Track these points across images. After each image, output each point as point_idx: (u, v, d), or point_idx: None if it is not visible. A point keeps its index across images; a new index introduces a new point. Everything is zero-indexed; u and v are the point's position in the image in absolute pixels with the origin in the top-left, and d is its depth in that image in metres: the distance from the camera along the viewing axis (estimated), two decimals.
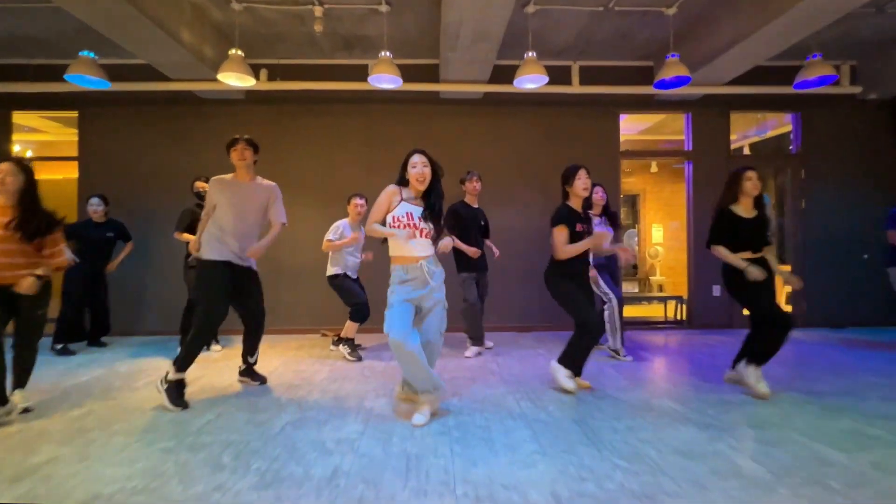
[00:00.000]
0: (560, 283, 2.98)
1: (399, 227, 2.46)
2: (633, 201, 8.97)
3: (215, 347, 4.28)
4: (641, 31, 4.68)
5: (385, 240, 2.56)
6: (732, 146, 5.72)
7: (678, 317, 5.78)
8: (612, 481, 1.85)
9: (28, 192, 2.64)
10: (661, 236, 8.87)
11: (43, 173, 5.88)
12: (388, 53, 4.02)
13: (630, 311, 6.00)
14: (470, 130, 5.40)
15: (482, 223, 4.15)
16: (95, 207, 4.40)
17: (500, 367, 3.71)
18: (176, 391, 2.76)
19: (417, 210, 2.51)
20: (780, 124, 6.43)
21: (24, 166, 2.66)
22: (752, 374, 2.89)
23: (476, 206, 4.15)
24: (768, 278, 2.87)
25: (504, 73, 4.88)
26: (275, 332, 5.16)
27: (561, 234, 2.91)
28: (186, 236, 3.94)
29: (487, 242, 4.23)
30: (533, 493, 1.77)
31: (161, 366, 3.69)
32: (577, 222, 2.95)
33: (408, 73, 4.57)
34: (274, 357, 4.09)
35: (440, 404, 2.67)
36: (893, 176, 5.50)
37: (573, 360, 3.01)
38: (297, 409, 2.72)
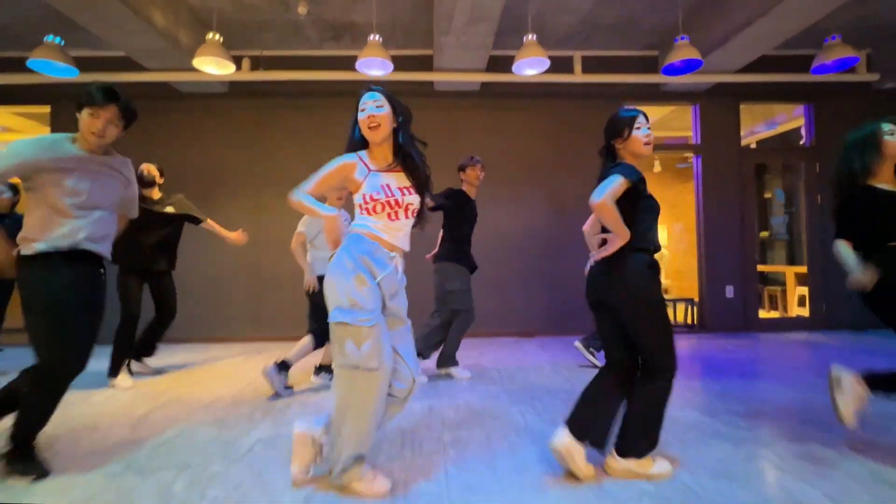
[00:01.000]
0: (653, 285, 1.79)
1: (377, 210, 1.69)
2: None
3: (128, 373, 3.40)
4: (649, 16, 4.42)
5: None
6: (743, 142, 5.46)
7: (689, 321, 5.46)
8: None
9: None
10: (666, 238, 8.60)
11: None
12: (377, 37, 3.74)
13: None
14: (467, 124, 5.11)
15: (475, 216, 3.51)
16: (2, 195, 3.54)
17: (501, 376, 3.37)
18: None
19: (393, 180, 1.74)
20: (790, 119, 6.17)
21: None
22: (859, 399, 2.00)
23: (473, 197, 3.50)
24: None
25: (502, 64, 4.61)
26: (258, 339, 4.83)
27: (617, 185, 1.69)
28: None
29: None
30: None
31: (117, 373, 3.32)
32: (646, 186, 1.81)
33: (400, 64, 4.29)
34: (253, 368, 3.72)
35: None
36: None
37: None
38: (270, 425, 2.38)
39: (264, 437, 2.23)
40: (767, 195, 6.88)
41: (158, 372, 3.58)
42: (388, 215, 1.70)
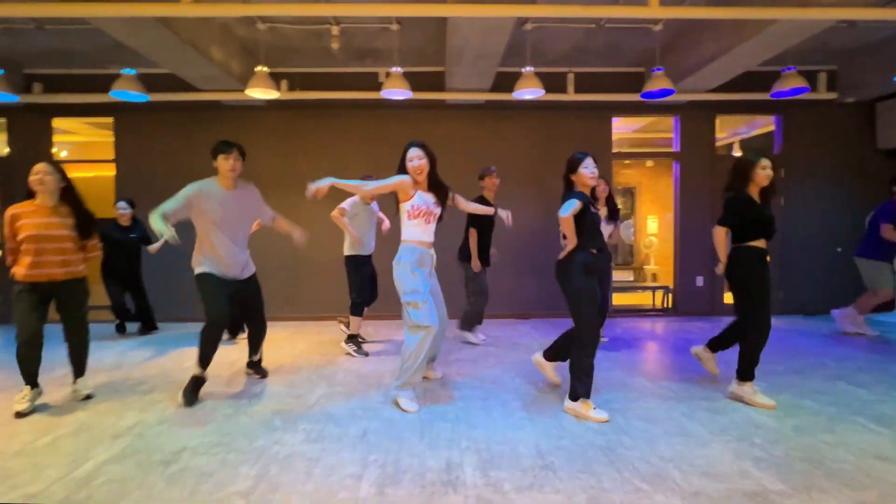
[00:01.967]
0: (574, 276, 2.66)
1: (419, 216, 2.78)
2: (630, 193, 9.38)
3: (241, 336, 4.71)
4: (631, 43, 5.07)
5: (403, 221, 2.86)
6: (724, 142, 6.11)
7: (664, 305, 6.27)
8: (583, 438, 2.36)
9: (71, 192, 2.83)
10: (656, 227, 9.31)
11: (77, 172, 6.39)
12: (398, 69, 4.45)
13: (622, 300, 6.49)
14: (473, 133, 5.83)
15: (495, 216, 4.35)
16: (122, 211, 4.69)
17: (499, 351, 4.22)
18: (192, 388, 2.93)
19: (430, 198, 2.85)
20: (768, 122, 6.80)
21: (56, 166, 2.80)
22: (748, 392, 2.83)
23: (492, 202, 4.33)
24: (768, 282, 2.80)
25: (505, 80, 5.27)
26: (296, 319, 5.70)
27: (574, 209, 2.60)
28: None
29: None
30: (521, 447, 2.28)
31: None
32: (591, 205, 2.71)
33: (415, 80, 4.98)
34: (299, 342, 4.62)
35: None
36: (868, 174, 5.90)
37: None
38: (326, 385, 3.25)
39: (324, 393, 3.09)
40: None
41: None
42: (426, 220, 2.82)
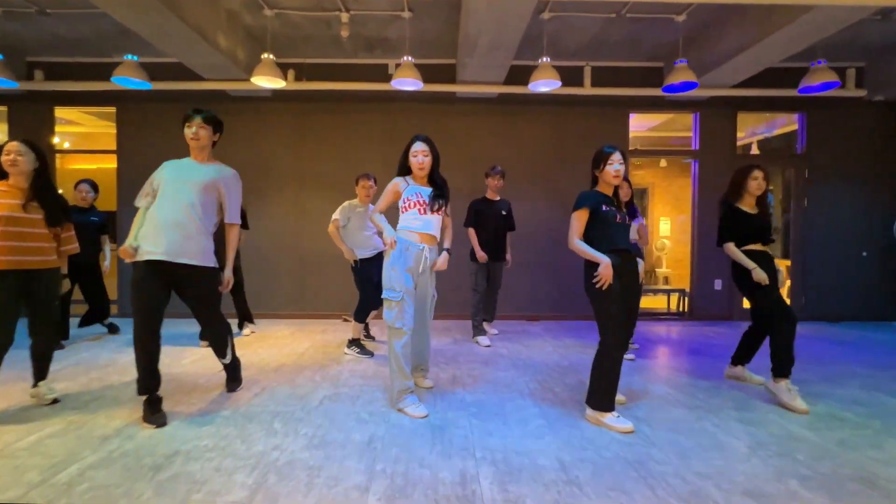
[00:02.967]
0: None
1: (412, 207, 2.65)
2: (641, 195, 9.16)
3: (246, 330, 4.62)
4: (652, 36, 4.87)
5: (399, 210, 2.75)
6: (741, 143, 5.91)
7: (681, 309, 6.05)
8: (608, 450, 2.17)
9: (42, 175, 2.63)
10: (669, 229, 9.09)
11: (80, 164, 6.26)
12: (409, 58, 4.27)
13: None
14: (484, 128, 5.64)
15: (503, 213, 4.35)
16: (85, 194, 4.17)
17: (510, 353, 4.03)
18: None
19: (425, 191, 2.70)
20: (789, 122, 6.58)
21: (32, 145, 2.63)
22: (784, 390, 2.74)
23: (497, 199, 4.38)
24: (775, 275, 2.91)
25: (519, 73, 5.10)
26: (301, 316, 5.54)
27: (577, 220, 2.48)
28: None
29: (508, 240, 4.46)
30: (541, 458, 2.09)
31: (203, 349, 4.06)
32: (604, 203, 2.49)
33: (426, 73, 4.81)
34: (303, 340, 4.44)
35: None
36: None
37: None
38: (331, 386, 3.07)
39: (329, 394, 2.91)
40: None
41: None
42: (419, 210, 2.66)
